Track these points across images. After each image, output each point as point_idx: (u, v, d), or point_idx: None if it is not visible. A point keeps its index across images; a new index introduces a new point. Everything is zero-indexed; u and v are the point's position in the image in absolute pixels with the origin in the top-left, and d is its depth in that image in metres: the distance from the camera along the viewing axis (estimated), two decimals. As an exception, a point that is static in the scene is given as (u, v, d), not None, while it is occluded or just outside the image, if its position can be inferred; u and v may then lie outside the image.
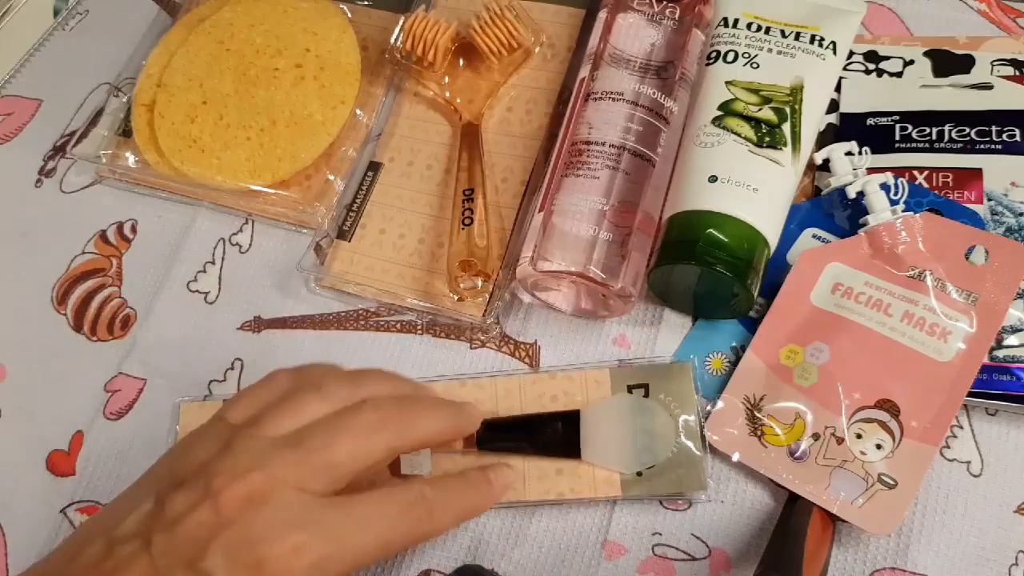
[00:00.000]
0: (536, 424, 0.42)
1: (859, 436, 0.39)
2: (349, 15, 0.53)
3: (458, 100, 0.50)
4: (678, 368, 0.42)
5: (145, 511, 0.34)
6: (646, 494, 0.41)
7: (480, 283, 0.44)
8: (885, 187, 0.42)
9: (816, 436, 0.40)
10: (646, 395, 0.42)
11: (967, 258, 0.40)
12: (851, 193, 0.42)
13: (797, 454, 0.40)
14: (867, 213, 0.42)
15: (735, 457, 0.40)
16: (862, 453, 0.39)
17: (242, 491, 0.32)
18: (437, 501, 0.35)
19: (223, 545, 0.32)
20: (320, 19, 0.52)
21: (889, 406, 0.39)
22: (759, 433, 0.40)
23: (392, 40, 0.51)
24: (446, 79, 0.51)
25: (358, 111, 0.51)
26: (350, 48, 0.52)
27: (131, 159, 0.52)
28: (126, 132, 0.52)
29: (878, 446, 0.39)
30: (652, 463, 0.40)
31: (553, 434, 0.42)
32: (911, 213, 0.41)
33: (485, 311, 0.45)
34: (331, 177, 0.50)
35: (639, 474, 0.41)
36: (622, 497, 0.41)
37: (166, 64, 0.52)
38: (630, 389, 0.42)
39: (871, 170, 0.43)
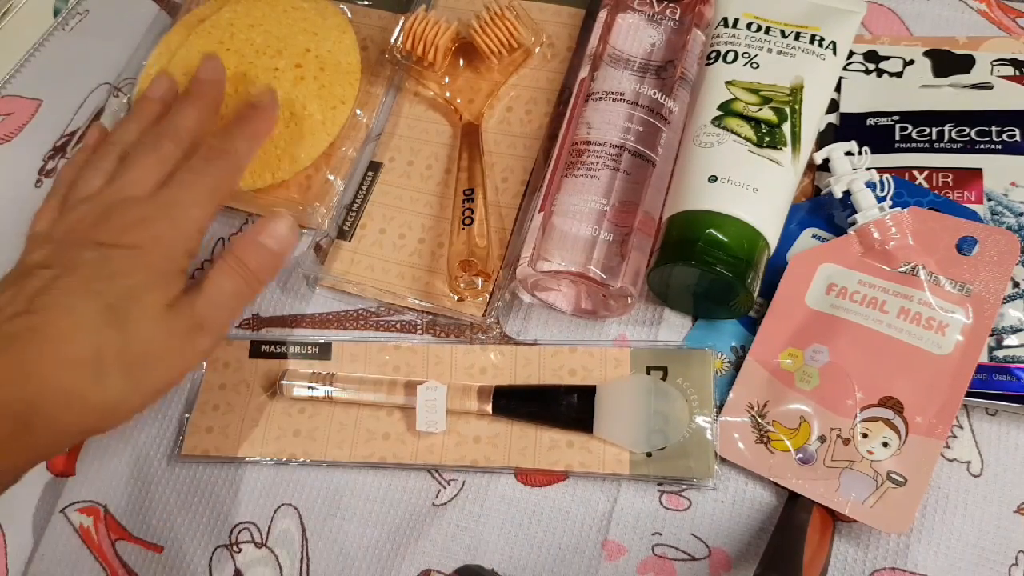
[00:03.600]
0: (551, 395, 0.43)
1: (865, 435, 0.39)
2: (349, 15, 0.53)
3: (458, 100, 0.50)
4: (699, 355, 0.43)
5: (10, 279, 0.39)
6: (654, 474, 0.41)
7: (480, 283, 0.44)
8: (871, 185, 0.42)
9: (822, 438, 0.40)
10: (664, 378, 0.42)
11: (958, 250, 0.40)
12: (837, 193, 0.42)
13: (804, 458, 0.40)
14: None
15: (743, 466, 0.40)
16: (869, 452, 0.39)
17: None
18: (224, 143, 0.42)
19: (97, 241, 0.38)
20: (320, 19, 0.52)
21: (892, 403, 0.39)
22: (765, 440, 0.40)
23: (392, 40, 0.51)
24: (446, 79, 0.51)
25: (358, 111, 0.51)
26: (350, 48, 0.52)
27: None
28: None
29: (885, 444, 0.39)
30: (663, 445, 0.41)
31: (568, 406, 0.42)
32: (899, 209, 0.41)
33: (485, 311, 0.45)
34: (331, 177, 0.50)
35: (649, 455, 0.41)
36: (629, 476, 0.41)
37: (166, 64, 0.52)
38: (649, 371, 0.43)
39: (880, 170, 0.43)
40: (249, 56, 0.51)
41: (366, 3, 0.55)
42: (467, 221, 0.45)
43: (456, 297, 0.45)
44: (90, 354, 0.36)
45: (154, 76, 0.48)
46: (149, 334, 0.37)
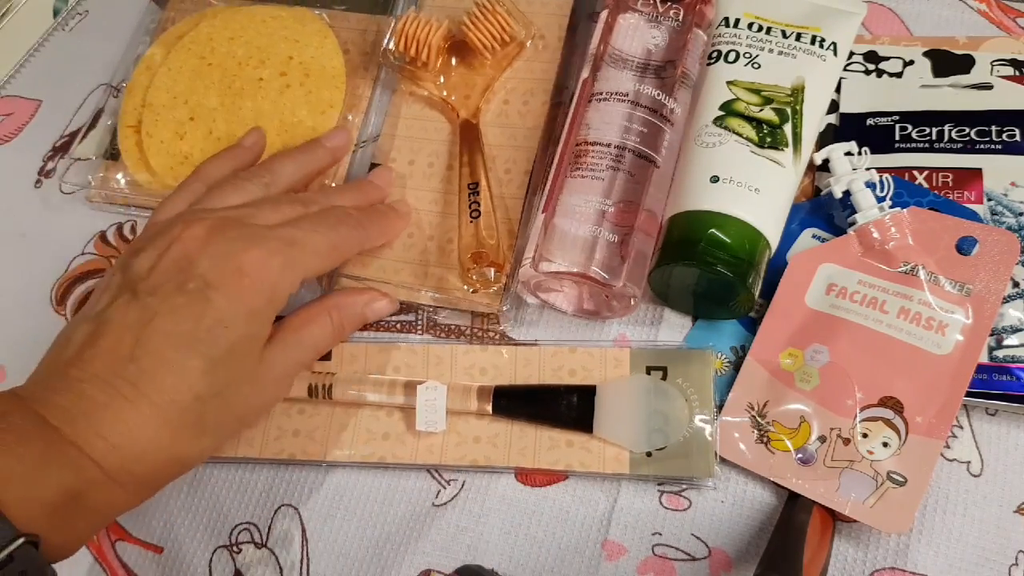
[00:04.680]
0: (551, 395, 0.43)
1: (865, 435, 0.39)
2: (327, 20, 0.53)
3: (453, 98, 0.50)
4: (698, 355, 0.43)
5: (116, 282, 0.38)
6: (654, 474, 0.41)
7: (493, 273, 0.44)
8: (871, 185, 0.42)
9: (822, 438, 0.40)
10: (664, 378, 0.42)
11: (958, 250, 0.40)
12: (837, 193, 0.42)
13: (804, 458, 0.40)
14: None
15: (743, 466, 0.40)
16: (869, 452, 0.39)
17: (201, 228, 0.38)
18: (363, 218, 0.43)
19: (206, 258, 0.37)
20: (299, 26, 0.52)
21: (892, 403, 0.39)
22: (765, 440, 0.40)
23: (384, 42, 0.51)
24: (441, 78, 0.51)
25: (348, 115, 0.51)
26: (332, 52, 0.52)
27: (121, 180, 0.51)
28: (113, 155, 0.52)
29: (885, 444, 0.39)
30: (663, 444, 0.41)
31: (567, 406, 0.42)
32: (898, 209, 0.41)
33: (501, 300, 0.45)
34: (327, 182, 0.50)
35: (649, 455, 0.41)
36: (629, 476, 0.41)
37: (148, 84, 0.52)
38: (648, 370, 0.43)
39: (880, 170, 0.43)
40: (232, 69, 0.51)
41: (343, 7, 0.55)
42: (474, 214, 0.45)
43: (470, 289, 0.45)
44: (193, 419, 0.36)
45: (249, 133, 0.47)
46: (246, 393, 0.38)
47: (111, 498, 0.35)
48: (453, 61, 0.51)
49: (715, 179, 0.42)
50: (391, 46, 0.51)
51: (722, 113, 0.44)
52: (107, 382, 0.35)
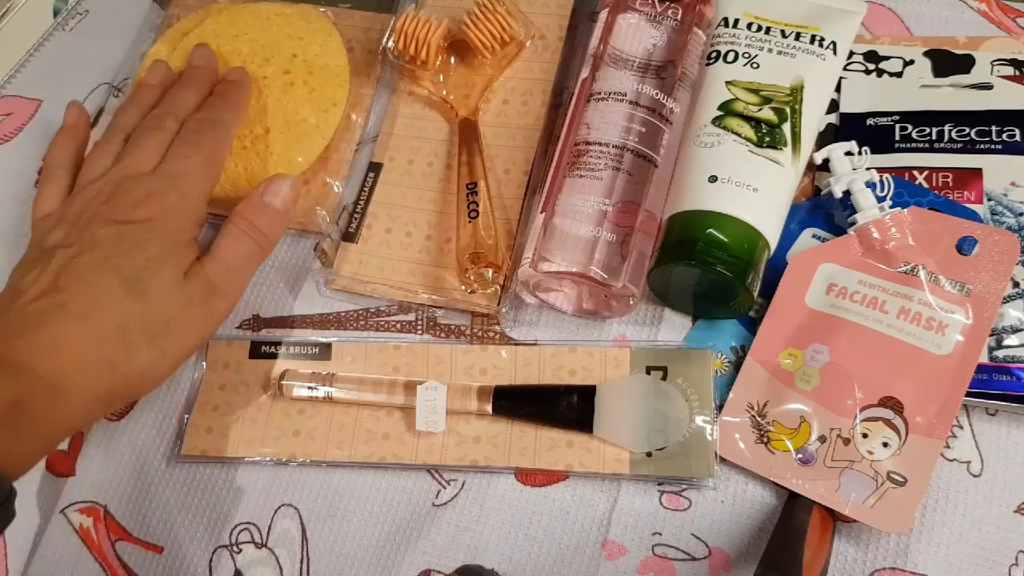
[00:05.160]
0: (552, 395, 0.43)
1: (865, 435, 0.39)
2: (332, 18, 0.53)
3: (452, 97, 0.50)
4: (698, 355, 0.43)
5: (35, 255, 0.41)
6: (654, 474, 0.41)
7: (490, 274, 0.44)
8: (871, 185, 0.42)
9: (822, 438, 0.40)
10: (664, 378, 0.42)
11: (958, 250, 0.40)
12: (837, 193, 0.42)
13: (804, 458, 0.40)
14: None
15: (743, 466, 0.40)
16: (869, 452, 0.39)
17: (101, 198, 0.41)
18: (213, 114, 0.46)
19: (111, 224, 0.40)
20: (304, 24, 0.52)
21: (893, 403, 0.39)
22: (765, 440, 0.40)
23: (384, 40, 0.51)
24: (440, 77, 0.51)
25: (352, 114, 0.51)
26: (336, 50, 0.51)
27: None
28: None
29: (885, 444, 0.39)
30: (663, 445, 0.41)
31: (567, 406, 0.42)
32: (899, 209, 0.41)
33: (499, 301, 0.45)
34: (329, 180, 0.50)
35: (649, 455, 0.41)
36: (629, 476, 0.41)
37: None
38: (648, 371, 0.43)
39: (880, 170, 0.43)
40: (236, 66, 0.51)
41: (348, 5, 0.55)
42: (472, 214, 0.45)
43: (467, 290, 0.45)
44: (116, 326, 0.38)
45: (151, 64, 0.49)
46: (169, 303, 0.40)
47: (56, 410, 0.37)
48: (452, 60, 0.51)
49: (714, 179, 0.42)
50: (390, 44, 0.51)
51: (721, 113, 0.44)
52: (40, 312, 0.38)
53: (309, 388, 0.44)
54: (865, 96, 0.47)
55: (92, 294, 0.39)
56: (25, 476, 0.47)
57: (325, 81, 0.50)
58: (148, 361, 0.39)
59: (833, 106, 0.47)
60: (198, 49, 0.49)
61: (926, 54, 0.47)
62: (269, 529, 0.44)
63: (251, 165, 0.49)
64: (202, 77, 0.48)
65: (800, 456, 0.40)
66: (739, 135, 0.43)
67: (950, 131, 0.45)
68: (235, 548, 0.44)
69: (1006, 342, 0.40)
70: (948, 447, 0.40)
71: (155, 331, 0.39)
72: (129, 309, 0.39)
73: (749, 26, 0.46)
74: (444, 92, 0.50)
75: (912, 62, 0.47)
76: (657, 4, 0.45)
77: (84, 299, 0.38)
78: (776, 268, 0.43)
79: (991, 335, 0.40)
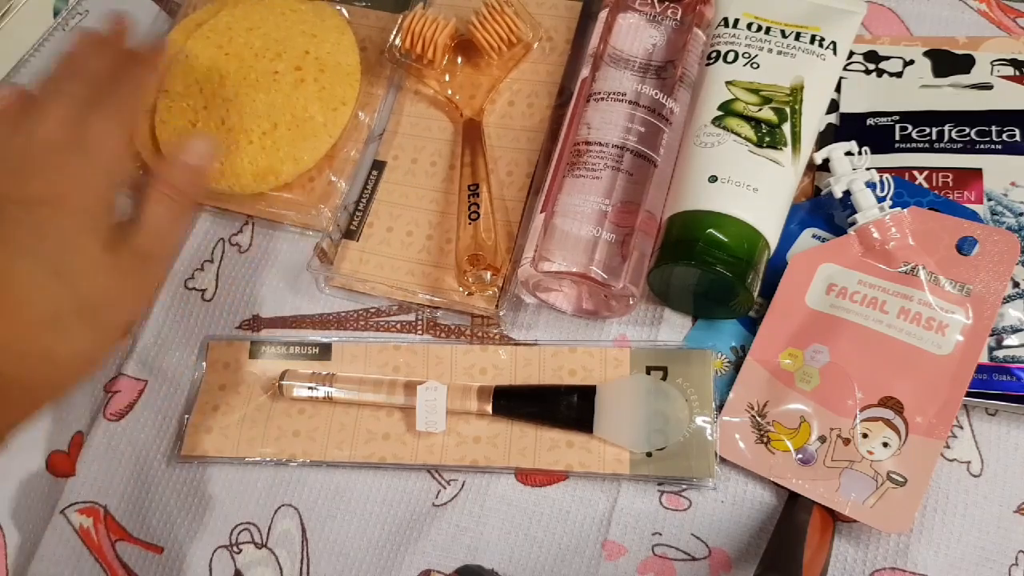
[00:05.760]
0: (552, 395, 0.43)
1: (865, 435, 0.39)
2: (347, 16, 0.53)
3: (458, 97, 0.50)
4: (698, 355, 0.43)
5: None
6: (654, 474, 0.41)
7: (489, 276, 0.44)
8: (871, 185, 0.42)
9: (822, 438, 0.40)
10: (664, 378, 0.42)
11: (958, 250, 0.40)
12: (837, 193, 0.42)
13: (804, 458, 0.40)
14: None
15: (743, 466, 0.40)
16: (869, 452, 0.39)
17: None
18: (122, 75, 0.42)
19: (31, 196, 0.37)
20: (318, 21, 0.52)
21: (893, 403, 0.39)
22: (765, 440, 0.40)
23: (391, 39, 0.51)
24: (446, 76, 0.51)
25: (360, 112, 0.51)
26: (349, 49, 0.51)
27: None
28: None
29: (885, 444, 0.39)
30: (663, 445, 0.41)
31: (567, 406, 0.42)
32: (899, 209, 0.41)
33: (497, 304, 0.45)
34: (334, 178, 0.50)
35: (649, 455, 0.41)
36: (629, 476, 0.41)
37: (165, 70, 0.52)
38: (648, 371, 0.43)
39: (880, 170, 0.43)
40: (248, 60, 0.51)
41: (363, 4, 0.55)
42: (473, 216, 0.45)
43: (466, 291, 0.45)
44: (48, 313, 0.36)
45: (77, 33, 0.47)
46: (97, 279, 0.38)
47: (9, 405, 0.36)
48: (459, 60, 0.51)
49: (713, 179, 0.42)
50: (397, 42, 0.51)
51: (721, 113, 0.44)
52: None
53: (309, 388, 0.44)
54: (865, 96, 0.47)
55: (16, 286, 0.36)
56: (26, 477, 0.47)
57: (336, 79, 0.50)
58: (87, 342, 0.38)
59: (833, 106, 0.47)
60: (109, 16, 0.45)
61: (926, 54, 0.47)
62: (269, 529, 0.44)
63: (256, 160, 0.49)
64: (108, 41, 0.44)
65: (800, 456, 0.40)
66: (739, 135, 0.43)
67: (950, 131, 0.45)
68: (235, 548, 0.44)
69: (1006, 342, 0.40)
70: (948, 447, 0.40)
71: (89, 310, 0.37)
72: (57, 293, 0.37)
73: (749, 26, 0.46)
74: (450, 92, 0.50)
75: (912, 62, 0.47)
76: (657, 4, 0.45)
77: (8, 293, 0.36)
78: (776, 268, 0.43)
79: (991, 335, 0.40)
